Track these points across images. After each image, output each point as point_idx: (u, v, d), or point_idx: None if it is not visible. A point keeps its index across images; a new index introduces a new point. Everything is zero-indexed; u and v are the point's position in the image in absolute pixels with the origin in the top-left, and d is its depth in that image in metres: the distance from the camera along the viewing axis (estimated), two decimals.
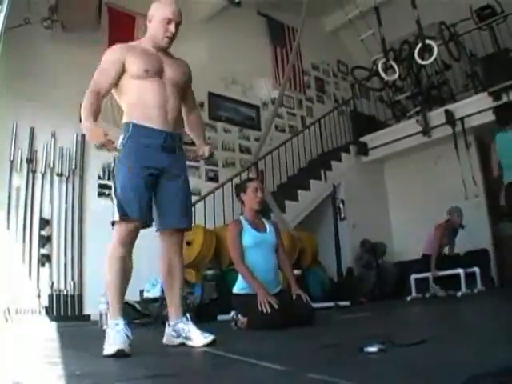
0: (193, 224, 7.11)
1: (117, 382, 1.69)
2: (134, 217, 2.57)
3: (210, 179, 8.34)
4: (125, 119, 2.75)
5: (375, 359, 1.90)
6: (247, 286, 3.80)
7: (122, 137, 2.68)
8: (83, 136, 7.08)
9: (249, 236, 3.93)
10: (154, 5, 2.85)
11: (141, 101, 2.71)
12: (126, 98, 2.77)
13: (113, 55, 2.74)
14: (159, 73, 2.76)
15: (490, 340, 2.31)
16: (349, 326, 3.95)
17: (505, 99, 7.55)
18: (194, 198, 7.24)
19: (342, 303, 6.60)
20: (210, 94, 8.71)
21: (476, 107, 7.96)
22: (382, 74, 7.83)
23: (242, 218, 4.07)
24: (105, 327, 4.41)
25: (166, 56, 2.88)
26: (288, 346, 2.75)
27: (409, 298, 7.05)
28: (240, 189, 4.07)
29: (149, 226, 2.72)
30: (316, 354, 2.27)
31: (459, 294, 6.47)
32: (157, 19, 2.79)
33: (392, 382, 1.50)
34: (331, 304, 6.49)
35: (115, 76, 2.71)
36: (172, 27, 2.78)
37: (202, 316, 4.79)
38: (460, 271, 6.60)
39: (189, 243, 6.11)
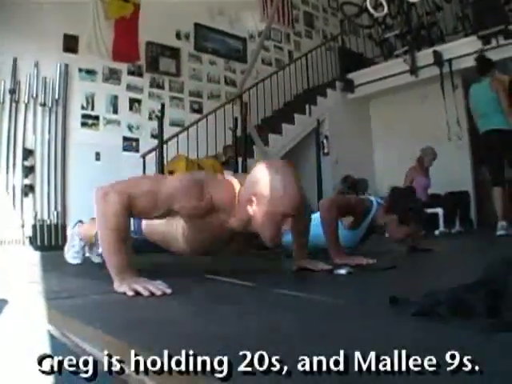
0: (175, 154, 7.05)
1: (92, 294, 1.76)
2: None
3: (195, 111, 8.26)
4: None
5: (342, 279, 1.99)
6: None
7: None
8: (66, 66, 6.96)
9: None
10: (272, 187, 1.81)
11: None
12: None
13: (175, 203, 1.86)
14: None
15: (458, 269, 2.41)
16: (326, 258, 4.04)
17: (494, 43, 7.49)
18: (177, 129, 7.18)
19: None
20: (196, 25, 8.47)
21: (465, 50, 7.85)
22: (372, 10, 7.71)
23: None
24: (87, 254, 4.48)
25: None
26: (264, 267, 2.84)
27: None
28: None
29: None
30: (289, 275, 2.36)
31: (437, 232, 6.62)
32: (265, 210, 1.83)
33: (354, 296, 1.58)
34: None
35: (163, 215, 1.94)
36: (284, 222, 1.90)
37: None
38: (439, 210, 6.74)
39: (171, 172, 6.10)
